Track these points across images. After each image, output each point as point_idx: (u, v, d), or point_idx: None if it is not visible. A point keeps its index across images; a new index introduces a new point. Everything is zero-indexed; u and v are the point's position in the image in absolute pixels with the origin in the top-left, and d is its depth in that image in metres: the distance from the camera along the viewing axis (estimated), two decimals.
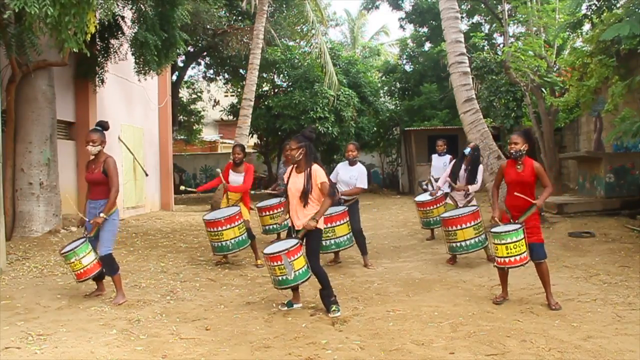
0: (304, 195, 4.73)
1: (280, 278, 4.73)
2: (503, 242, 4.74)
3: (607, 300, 4.89)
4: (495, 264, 4.97)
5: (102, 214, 5.00)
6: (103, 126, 5.24)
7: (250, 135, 17.06)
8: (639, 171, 10.04)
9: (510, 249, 4.73)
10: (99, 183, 5.07)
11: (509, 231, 4.73)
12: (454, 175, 6.98)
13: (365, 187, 6.73)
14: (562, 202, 10.09)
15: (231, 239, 6.53)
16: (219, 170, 7.31)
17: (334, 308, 4.68)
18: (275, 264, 4.69)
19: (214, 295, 5.48)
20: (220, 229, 6.49)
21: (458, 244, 6.46)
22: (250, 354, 3.80)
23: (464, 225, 6.36)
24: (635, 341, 3.86)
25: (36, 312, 4.79)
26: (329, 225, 6.29)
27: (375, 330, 4.25)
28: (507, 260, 4.78)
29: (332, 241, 6.45)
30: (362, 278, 6.15)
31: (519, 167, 4.88)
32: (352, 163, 6.74)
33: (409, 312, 4.72)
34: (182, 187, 8.62)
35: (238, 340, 4.07)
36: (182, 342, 4.05)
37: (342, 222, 6.46)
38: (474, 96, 9.58)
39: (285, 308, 4.87)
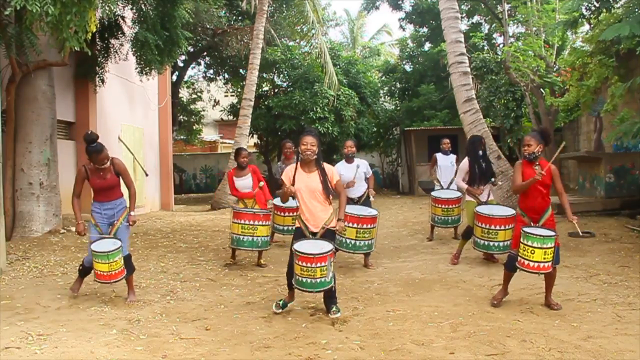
0: (327, 196, 4.65)
1: (319, 280, 4.46)
2: (545, 246, 4.52)
3: (607, 300, 4.89)
4: (520, 266, 4.64)
5: (132, 213, 5.19)
6: (93, 139, 4.97)
7: (250, 135, 17.06)
8: (639, 171, 10.04)
9: (547, 255, 4.54)
10: (114, 186, 5.15)
11: (551, 236, 4.51)
12: (473, 181, 6.68)
13: (370, 172, 6.95)
14: None
15: (264, 236, 6.52)
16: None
17: (334, 309, 4.66)
18: (319, 265, 4.42)
19: (214, 295, 5.48)
20: (257, 222, 6.44)
21: (496, 244, 6.23)
22: (250, 354, 3.80)
23: (507, 227, 6.09)
24: (635, 341, 3.86)
25: (36, 312, 4.79)
26: (370, 225, 6.30)
27: (375, 330, 4.25)
28: (542, 265, 4.54)
29: (366, 242, 6.38)
30: (362, 278, 6.15)
31: (536, 168, 4.74)
32: (349, 160, 6.78)
33: (409, 312, 4.72)
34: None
35: (238, 340, 4.07)
36: (182, 342, 4.05)
37: (376, 224, 6.44)
38: (474, 96, 9.58)
39: (280, 310, 4.73)
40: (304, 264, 4.43)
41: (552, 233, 4.60)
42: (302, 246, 4.51)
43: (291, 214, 7.43)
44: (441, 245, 8.12)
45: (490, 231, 6.26)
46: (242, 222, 6.46)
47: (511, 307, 4.77)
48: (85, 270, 5.23)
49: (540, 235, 4.55)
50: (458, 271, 6.37)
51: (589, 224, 8.72)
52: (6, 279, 5.99)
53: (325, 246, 4.53)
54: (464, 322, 4.39)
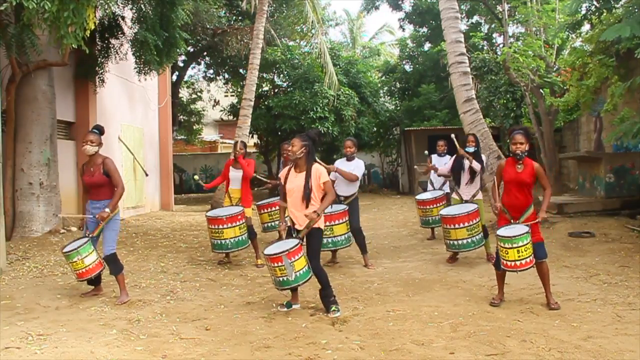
0: (306, 196, 4.70)
1: (281, 279, 4.68)
2: (515, 245, 4.63)
3: (607, 300, 4.89)
4: (502, 266, 4.79)
5: (107, 209, 5.04)
6: (100, 130, 5.29)
7: (250, 135, 17.05)
8: (639, 171, 10.03)
9: (522, 252, 4.63)
10: (101, 185, 5.11)
11: (520, 235, 4.61)
12: (456, 176, 6.93)
13: (359, 176, 6.70)
14: (562, 202, 10.08)
15: (231, 238, 6.58)
16: (196, 177, 7.92)
17: (333, 308, 4.67)
18: (276, 264, 4.63)
19: (214, 295, 5.48)
20: (221, 226, 6.55)
21: (451, 242, 6.53)
22: (250, 354, 3.80)
23: (457, 226, 6.38)
24: (635, 341, 3.86)
25: (36, 312, 4.79)
26: (327, 223, 6.24)
27: (375, 330, 4.25)
28: (518, 263, 4.66)
29: (330, 239, 6.42)
30: (362, 278, 6.15)
31: (519, 166, 4.81)
32: (349, 159, 6.75)
33: (409, 312, 4.72)
34: (196, 177, 8.19)
35: (238, 340, 4.07)
36: (182, 342, 4.05)
37: (341, 221, 6.44)
38: (473, 96, 9.58)
39: (285, 309, 4.85)
40: (267, 262, 4.75)
41: (522, 231, 4.65)
42: (271, 246, 4.87)
43: (267, 210, 7.69)
44: (441, 245, 8.09)
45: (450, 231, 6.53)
46: (211, 227, 6.70)
47: (511, 307, 4.77)
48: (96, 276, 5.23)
49: (507, 237, 4.67)
50: (458, 271, 6.37)
51: (589, 224, 8.72)
52: (6, 279, 6.00)
53: (286, 245, 4.67)
54: (464, 322, 4.39)
